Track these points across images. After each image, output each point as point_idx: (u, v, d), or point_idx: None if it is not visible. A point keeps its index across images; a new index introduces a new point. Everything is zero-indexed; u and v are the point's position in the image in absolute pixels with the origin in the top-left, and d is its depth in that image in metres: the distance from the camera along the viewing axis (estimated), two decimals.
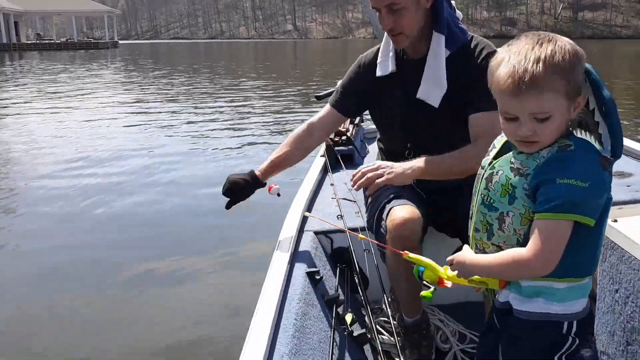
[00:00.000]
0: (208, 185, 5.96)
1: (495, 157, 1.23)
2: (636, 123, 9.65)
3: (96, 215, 5.03)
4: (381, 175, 1.75)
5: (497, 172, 1.18)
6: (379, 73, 2.01)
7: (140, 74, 24.11)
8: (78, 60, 37.32)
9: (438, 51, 1.87)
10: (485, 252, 1.21)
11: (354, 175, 1.81)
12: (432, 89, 1.88)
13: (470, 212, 1.26)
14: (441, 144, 1.92)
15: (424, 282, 1.29)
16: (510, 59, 1.08)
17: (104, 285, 3.62)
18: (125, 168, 6.82)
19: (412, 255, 1.33)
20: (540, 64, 1.04)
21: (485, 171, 1.23)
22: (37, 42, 66.05)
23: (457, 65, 1.87)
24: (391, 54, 1.99)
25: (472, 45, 1.91)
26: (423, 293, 1.30)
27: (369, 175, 1.75)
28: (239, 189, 2.06)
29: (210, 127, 9.81)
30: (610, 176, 1.12)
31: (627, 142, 3.25)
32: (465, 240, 1.78)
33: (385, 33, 1.98)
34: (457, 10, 1.98)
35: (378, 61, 2.02)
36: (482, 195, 1.21)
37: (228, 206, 2.10)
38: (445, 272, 1.27)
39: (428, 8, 1.84)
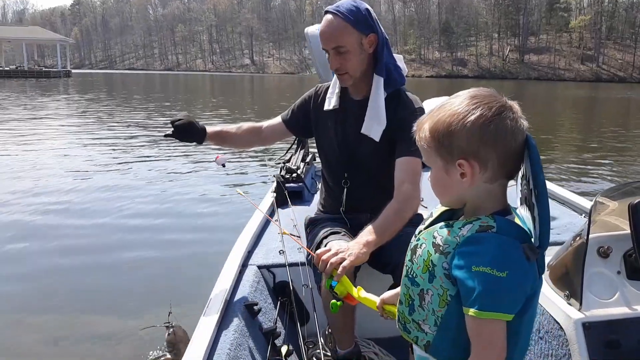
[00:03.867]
0: (154, 217, 6.03)
1: (429, 227, 1.14)
2: (573, 169, 10.15)
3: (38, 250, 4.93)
4: (343, 259, 1.65)
5: (420, 245, 1.11)
6: (325, 107, 2.20)
7: (94, 104, 23.70)
8: (28, 88, 36.42)
9: (378, 91, 2.07)
10: (406, 328, 1.15)
11: (315, 264, 1.72)
12: (374, 124, 2.07)
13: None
14: (376, 177, 2.15)
15: (334, 294, 1.41)
16: None
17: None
18: (71, 198, 6.73)
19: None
20: None
21: (413, 241, 1.16)
22: None
23: (392, 106, 2.08)
24: (337, 91, 2.19)
25: (405, 94, 2.13)
26: (332, 302, 1.41)
27: (332, 260, 1.64)
28: (188, 128, 2.15)
29: (161, 160, 9.78)
30: (539, 267, 1.06)
31: (551, 187, 3.46)
32: (396, 277, 1.92)
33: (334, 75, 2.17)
34: (401, 62, 2.22)
35: (327, 96, 2.22)
36: (407, 268, 1.14)
37: (167, 136, 2.17)
38: (358, 292, 1.38)
39: (370, 53, 2.05)
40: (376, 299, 1.36)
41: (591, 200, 1.52)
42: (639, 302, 1.47)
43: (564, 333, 1.45)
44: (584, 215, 2.98)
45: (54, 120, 16.52)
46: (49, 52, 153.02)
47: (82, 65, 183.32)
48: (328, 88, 2.27)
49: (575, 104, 32.27)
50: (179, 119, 2.15)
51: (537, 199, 1.01)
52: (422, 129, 1.08)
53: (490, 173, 1.04)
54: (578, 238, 1.49)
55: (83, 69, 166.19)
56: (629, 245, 1.47)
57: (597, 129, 17.65)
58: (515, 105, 1.05)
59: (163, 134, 2.21)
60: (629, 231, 1.45)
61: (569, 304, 1.48)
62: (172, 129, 2.15)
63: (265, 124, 2.38)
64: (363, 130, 2.10)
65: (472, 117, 1.01)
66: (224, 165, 2.34)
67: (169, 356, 2.98)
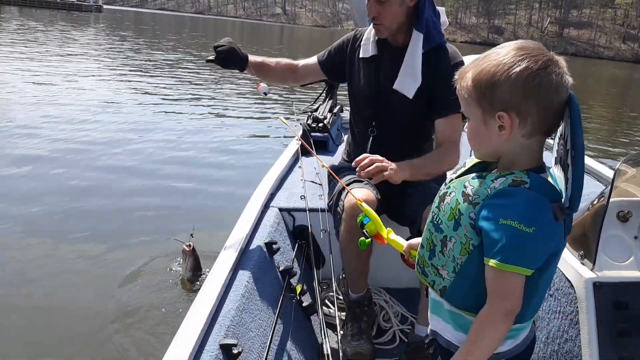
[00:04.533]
0: (176, 159, 6.13)
1: (460, 177, 1.14)
2: (604, 144, 10.00)
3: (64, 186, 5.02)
4: (385, 169, 1.75)
5: (449, 194, 1.11)
6: (361, 54, 2.19)
7: (124, 41, 23.71)
8: (60, 21, 36.48)
9: (416, 48, 2.05)
10: (424, 271, 1.17)
11: (358, 161, 1.75)
12: (408, 81, 2.06)
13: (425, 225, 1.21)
14: (404, 128, 2.17)
15: (364, 231, 1.44)
16: None
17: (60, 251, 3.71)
18: (94, 135, 6.78)
19: (365, 205, 1.46)
20: None
21: (443, 189, 1.16)
22: None
23: (429, 63, 2.06)
24: (372, 39, 2.17)
25: (444, 51, 2.09)
26: (361, 239, 1.45)
27: (378, 164, 1.73)
28: (231, 54, 2.14)
29: (185, 103, 9.83)
30: (566, 228, 1.05)
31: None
32: (414, 229, 1.96)
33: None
34: (442, 16, 2.16)
35: (362, 44, 2.20)
36: (433, 214, 1.15)
37: (209, 61, 2.15)
38: (388, 233, 1.41)
39: (411, 6, 2.02)
40: (404, 243, 1.38)
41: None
42: None
43: (574, 291, 1.49)
44: (608, 186, 2.98)
45: (84, 52, 16.63)
46: None
47: (113, 2, 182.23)
48: (362, 32, 2.25)
49: (611, 83, 31.41)
50: (222, 45, 2.13)
51: (573, 160, 1.00)
52: (465, 77, 1.06)
53: (529, 128, 1.02)
54: (600, 200, 1.51)
55: (114, 5, 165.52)
56: None
57: (629, 110, 17.23)
58: (562, 60, 1.02)
59: (204, 59, 2.19)
60: None
61: (582, 264, 1.51)
62: (215, 54, 2.12)
63: (301, 62, 2.38)
64: (396, 87, 2.08)
65: (518, 69, 0.98)
66: (265, 94, 2.33)
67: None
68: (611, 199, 1.46)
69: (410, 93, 2.06)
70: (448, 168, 2.00)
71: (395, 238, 1.40)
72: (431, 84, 2.04)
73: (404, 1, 1.99)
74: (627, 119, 13.90)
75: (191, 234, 3.26)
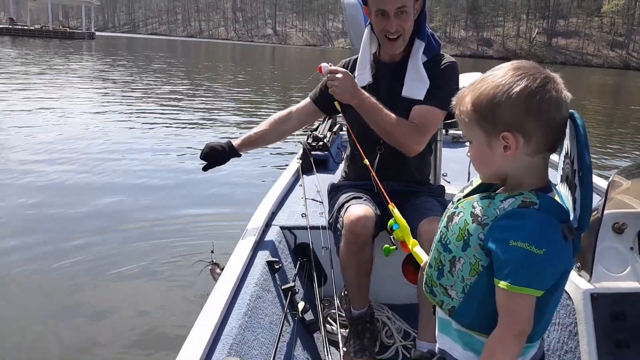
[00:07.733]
0: (180, 176, 6.24)
1: (467, 196, 1.16)
2: (597, 155, 10.08)
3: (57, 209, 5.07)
4: (337, 80, 2.03)
5: (458, 214, 1.11)
6: (358, 83, 2.18)
7: (117, 69, 23.82)
8: (53, 49, 36.65)
9: (418, 55, 2.14)
10: (432, 291, 1.17)
11: (333, 71, 2.07)
12: (416, 85, 2.13)
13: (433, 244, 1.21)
14: None
15: (392, 238, 1.47)
16: None
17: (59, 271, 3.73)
18: (88, 161, 6.79)
19: (395, 211, 1.49)
20: None
21: (450, 209, 1.17)
22: (10, 27, 64.44)
23: (428, 70, 2.14)
24: (368, 66, 2.22)
25: (441, 57, 2.20)
26: (386, 246, 1.47)
27: (336, 78, 2.03)
28: (216, 154, 2.24)
29: (184, 128, 9.86)
30: (575, 248, 1.06)
31: None
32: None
33: (362, 45, 2.22)
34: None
35: (356, 74, 2.23)
36: (441, 233, 1.15)
37: (205, 168, 2.28)
38: (413, 245, 1.41)
39: (415, 18, 2.11)
40: (425, 258, 1.36)
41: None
42: None
43: (572, 302, 1.51)
44: (602, 198, 3.01)
45: (78, 81, 16.69)
46: (73, 13, 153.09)
47: (105, 28, 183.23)
48: (352, 62, 2.31)
49: (602, 90, 31.68)
50: (204, 152, 2.25)
51: (581, 181, 0.99)
52: (463, 102, 1.06)
53: (534, 146, 1.03)
54: (594, 213, 1.53)
55: (106, 31, 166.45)
56: None
57: (621, 120, 17.36)
58: (557, 77, 1.03)
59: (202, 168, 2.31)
60: None
61: (580, 275, 1.54)
62: (204, 162, 2.26)
63: (293, 108, 2.39)
64: (404, 93, 2.14)
65: (517, 89, 0.99)
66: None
67: None
68: (606, 211, 1.49)
69: (420, 95, 2.12)
70: (397, 137, 2.07)
71: (418, 251, 1.40)
72: (432, 86, 2.12)
73: (414, 12, 2.09)
74: (619, 129, 13.99)
75: (211, 251, 3.25)
